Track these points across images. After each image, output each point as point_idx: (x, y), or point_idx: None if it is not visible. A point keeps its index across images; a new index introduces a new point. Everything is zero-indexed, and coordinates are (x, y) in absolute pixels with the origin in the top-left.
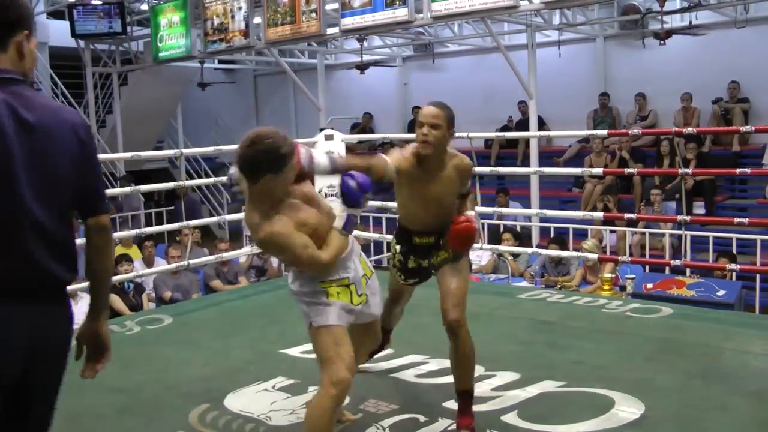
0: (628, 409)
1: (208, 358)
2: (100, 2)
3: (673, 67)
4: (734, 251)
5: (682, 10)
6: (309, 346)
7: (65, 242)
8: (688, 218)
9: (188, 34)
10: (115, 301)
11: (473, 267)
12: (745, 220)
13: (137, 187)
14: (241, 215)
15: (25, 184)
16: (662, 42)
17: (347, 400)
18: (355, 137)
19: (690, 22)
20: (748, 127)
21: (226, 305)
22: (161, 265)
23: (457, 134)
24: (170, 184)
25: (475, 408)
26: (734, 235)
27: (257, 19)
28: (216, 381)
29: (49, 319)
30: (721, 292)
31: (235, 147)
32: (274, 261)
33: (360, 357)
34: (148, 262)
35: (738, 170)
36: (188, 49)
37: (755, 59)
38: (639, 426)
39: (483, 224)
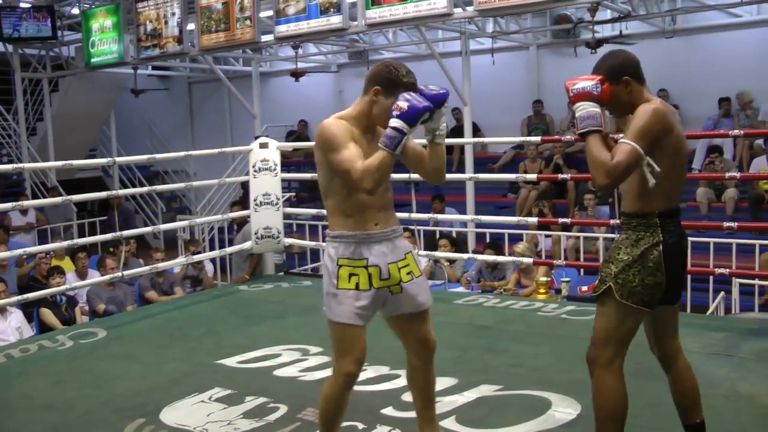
0: (564, 409)
1: (144, 371)
2: (29, 5)
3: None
4: None
5: (613, 20)
6: (245, 356)
7: None
8: (619, 221)
9: (121, 39)
10: (47, 315)
11: None
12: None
13: (69, 197)
14: (175, 224)
15: None
16: (593, 51)
17: (285, 409)
18: (291, 145)
19: (620, 32)
20: None
21: (162, 317)
22: (95, 277)
23: None
24: (103, 194)
25: (412, 414)
26: None
27: (191, 26)
28: (151, 394)
29: None
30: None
31: (172, 155)
32: (209, 270)
33: (414, 359)
34: (81, 274)
35: None
36: (121, 55)
37: (683, 68)
38: (576, 425)
39: (419, 231)
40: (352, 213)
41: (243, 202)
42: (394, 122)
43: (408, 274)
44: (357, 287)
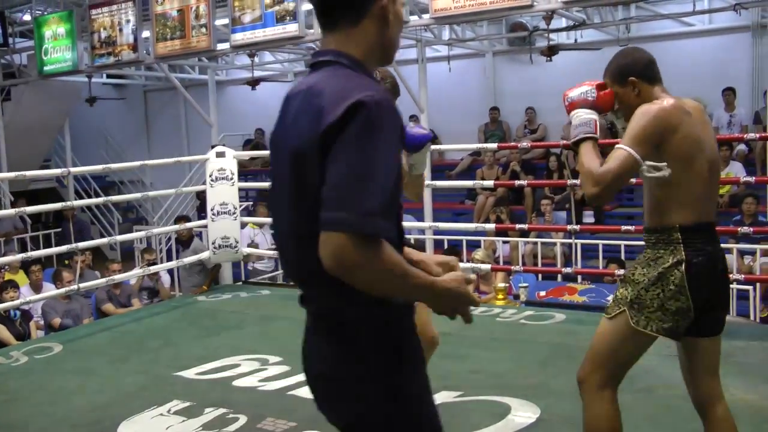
0: (524, 414)
1: (101, 385)
2: None
3: (560, 82)
4: (623, 257)
5: (567, 29)
6: (204, 367)
7: None
8: (577, 227)
9: (74, 47)
10: (1, 330)
11: None
12: (632, 228)
13: (22, 208)
14: (132, 235)
15: None
16: (549, 59)
17: (244, 420)
18: (248, 154)
19: (575, 40)
20: None
21: (119, 329)
22: (50, 290)
23: None
24: (58, 205)
25: None
26: (622, 242)
27: (146, 33)
28: (109, 409)
29: None
30: (612, 297)
31: (127, 165)
32: (166, 281)
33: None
34: (36, 288)
35: None
36: (75, 62)
37: None
38: (535, 429)
39: None
40: None
41: (186, 219)
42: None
43: None
44: None
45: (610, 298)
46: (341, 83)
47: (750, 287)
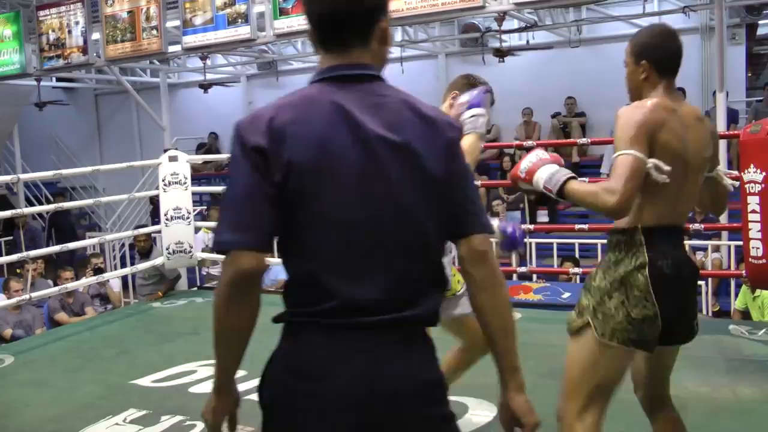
0: (482, 413)
1: (55, 396)
2: None
3: (513, 83)
4: (577, 255)
5: (519, 30)
6: (160, 375)
7: None
8: (532, 227)
9: (22, 49)
10: None
11: None
12: (586, 226)
13: None
14: (85, 242)
15: None
16: (501, 60)
17: (202, 426)
18: (201, 158)
19: (527, 41)
20: (584, 140)
21: (73, 338)
22: (0, 301)
23: None
24: (8, 213)
25: None
26: (576, 241)
27: (96, 35)
28: (64, 421)
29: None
30: (566, 295)
31: (79, 170)
32: (114, 285)
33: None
34: None
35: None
36: (23, 65)
37: (589, 76)
38: (492, 428)
39: None
40: None
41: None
42: None
43: None
44: None
45: (566, 295)
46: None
47: (702, 282)
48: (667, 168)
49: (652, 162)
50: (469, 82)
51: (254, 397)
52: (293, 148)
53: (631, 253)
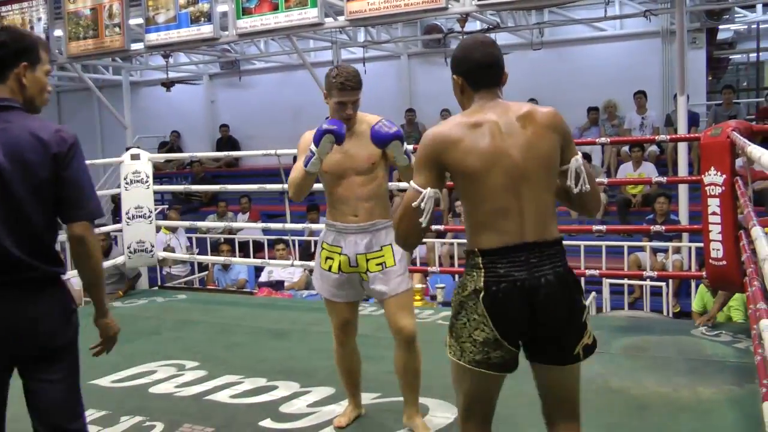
0: (442, 414)
1: (13, 395)
2: None
3: None
4: None
5: (482, 31)
6: (120, 375)
7: None
8: None
9: None
10: None
11: (285, 284)
12: None
13: None
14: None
15: None
16: None
17: (161, 427)
18: (163, 156)
19: None
20: None
21: None
22: None
23: (264, 151)
24: None
25: (291, 425)
26: None
27: (58, 32)
28: (20, 422)
29: None
30: None
31: None
32: (75, 285)
33: (395, 343)
34: None
35: None
36: None
37: (551, 79)
38: (453, 429)
39: (294, 241)
40: (334, 205)
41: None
42: (311, 143)
43: (378, 264)
44: (330, 269)
45: None
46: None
47: (663, 284)
48: (425, 205)
49: (428, 193)
50: (327, 83)
51: (214, 397)
52: None
53: (471, 277)
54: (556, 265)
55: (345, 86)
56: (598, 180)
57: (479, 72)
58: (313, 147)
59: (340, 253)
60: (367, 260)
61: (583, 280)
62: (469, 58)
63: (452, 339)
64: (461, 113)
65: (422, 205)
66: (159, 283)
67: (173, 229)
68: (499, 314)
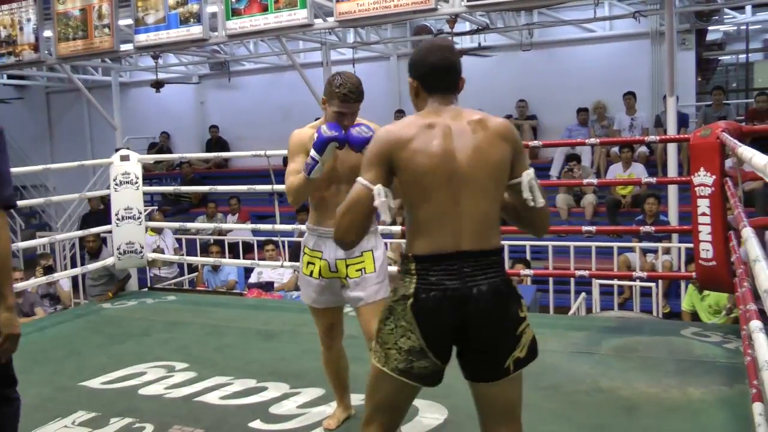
0: (432, 415)
1: None
2: None
3: (465, 85)
4: (528, 257)
5: (471, 32)
6: (109, 376)
7: None
8: None
9: None
10: None
11: (275, 285)
12: None
13: None
14: (35, 242)
15: None
16: None
17: (151, 428)
18: (152, 157)
19: (479, 44)
20: (536, 142)
21: (22, 339)
22: None
23: (254, 152)
24: None
25: (280, 427)
26: (528, 243)
27: (48, 33)
28: None
29: None
30: None
31: (29, 168)
32: (64, 284)
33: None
34: None
35: None
36: None
37: (540, 79)
38: (443, 430)
39: (284, 242)
40: (317, 209)
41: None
42: (312, 150)
43: (358, 270)
44: (311, 275)
45: None
46: None
47: (653, 284)
48: (384, 199)
49: (378, 190)
50: (329, 91)
51: (204, 398)
52: None
53: (403, 282)
54: (492, 275)
55: (347, 98)
56: (587, 181)
57: (435, 76)
58: (315, 154)
59: (320, 258)
60: (347, 266)
61: (572, 281)
62: (425, 61)
63: (377, 344)
64: (415, 114)
65: (379, 201)
66: (149, 285)
67: (159, 231)
68: (427, 323)
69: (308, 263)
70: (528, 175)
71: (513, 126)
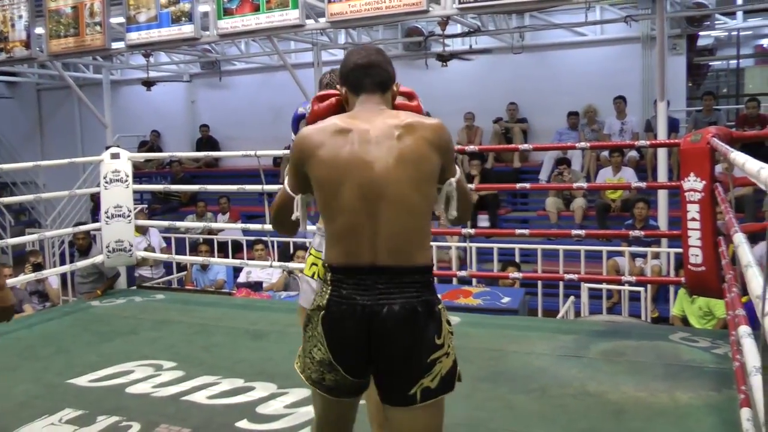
0: None
1: None
2: None
3: (456, 87)
4: (518, 260)
5: (462, 35)
6: (97, 374)
7: None
8: (472, 231)
9: None
10: None
11: (264, 285)
12: (527, 231)
13: None
14: (24, 238)
15: None
16: (444, 64)
17: (138, 427)
18: (143, 155)
19: (470, 46)
20: (527, 146)
21: (10, 336)
22: None
23: (244, 152)
24: None
25: (268, 426)
26: (517, 246)
27: (39, 30)
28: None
29: None
30: (506, 299)
31: (20, 165)
32: (53, 281)
33: None
34: None
35: (518, 185)
36: None
37: (531, 82)
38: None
39: (273, 242)
40: None
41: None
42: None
43: None
44: (313, 276)
45: (505, 300)
46: None
47: (641, 288)
48: (298, 213)
49: (297, 199)
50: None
51: (191, 397)
52: None
53: (320, 292)
54: (410, 295)
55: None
56: (577, 185)
57: (357, 73)
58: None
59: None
60: None
61: (561, 284)
62: (348, 61)
63: (301, 350)
64: (337, 116)
65: (295, 216)
66: (137, 283)
67: (143, 231)
68: (334, 337)
69: (312, 264)
70: (449, 185)
71: (445, 129)
